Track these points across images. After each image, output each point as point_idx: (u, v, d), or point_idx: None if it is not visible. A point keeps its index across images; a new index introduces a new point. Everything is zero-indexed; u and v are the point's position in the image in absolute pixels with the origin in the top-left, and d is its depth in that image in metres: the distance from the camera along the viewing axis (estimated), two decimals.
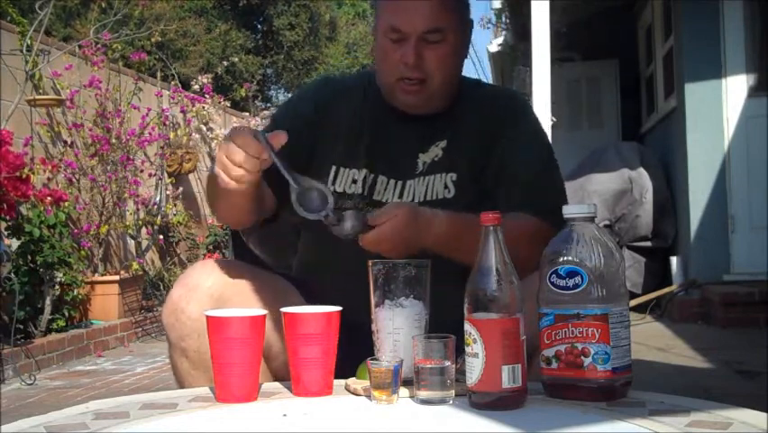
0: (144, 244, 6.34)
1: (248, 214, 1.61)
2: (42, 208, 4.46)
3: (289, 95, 20.07)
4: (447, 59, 1.62)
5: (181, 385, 1.55)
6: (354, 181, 1.67)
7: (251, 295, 1.55)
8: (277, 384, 1.42)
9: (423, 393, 1.25)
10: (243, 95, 9.18)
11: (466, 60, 1.73)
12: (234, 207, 1.57)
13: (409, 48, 1.58)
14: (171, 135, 6.88)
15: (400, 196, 1.66)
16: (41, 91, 5.19)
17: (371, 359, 1.30)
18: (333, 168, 1.68)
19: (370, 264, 1.38)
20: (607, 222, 6.03)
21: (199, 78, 8.16)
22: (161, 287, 6.20)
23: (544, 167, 1.69)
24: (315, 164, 1.69)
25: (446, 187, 1.65)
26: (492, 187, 1.65)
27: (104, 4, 6.93)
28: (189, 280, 1.53)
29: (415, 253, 1.43)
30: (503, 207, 1.49)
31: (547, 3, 5.18)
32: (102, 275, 5.47)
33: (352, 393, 1.34)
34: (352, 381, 1.37)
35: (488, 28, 9.30)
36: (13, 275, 4.08)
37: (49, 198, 4.52)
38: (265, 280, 1.60)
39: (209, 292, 1.50)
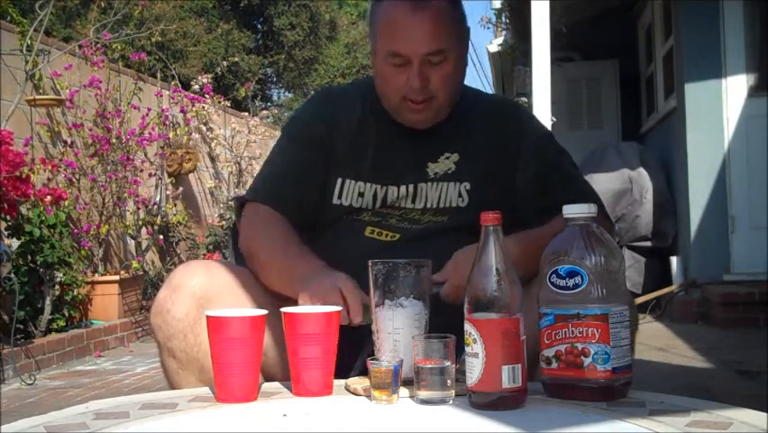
0: (144, 244, 6.34)
1: None
2: (42, 208, 4.46)
3: (290, 95, 20.07)
4: (451, 77, 1.61)
5: (171, 384, 1.57)
6: (361, 195, 1.68)
7: (236, 293, 1.55)
8: (277, 384, 1.42)
9: (423, 393, 1.25)
10: (244, 94, 9.17)
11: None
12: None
13: (414, 72, 1.57)
14: (171, 135, 6.88)
15: (413, 200, 1.66)
16: (41, 91, 5.19)
17: (371, 359, 1.29)
18: (339, 180, 1.69)
19: (371, 264, 1.38)
20: None
21: (199, 77, 8.15)
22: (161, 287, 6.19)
23: (570, 166, 1.75)
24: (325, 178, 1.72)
25: (460, 195, 1.67)
26: (524, 194, 1.68)
27: (104, 5, 6.94)
28: (174, 282, 1.54)
29: None
30: (541, 210, 1.57)
31: (547, 3, 5.17)
32: (102, 275, 5.47)
33: (352, 393, 1.34)
34: (352, 381, 1.37)
35: (488, 28, 9.28)
36: (13, 275, 4.08)
37: (48, 198, 4.52)
38: (249, 279, 1.61)
39: (192, 292, 1.51)
